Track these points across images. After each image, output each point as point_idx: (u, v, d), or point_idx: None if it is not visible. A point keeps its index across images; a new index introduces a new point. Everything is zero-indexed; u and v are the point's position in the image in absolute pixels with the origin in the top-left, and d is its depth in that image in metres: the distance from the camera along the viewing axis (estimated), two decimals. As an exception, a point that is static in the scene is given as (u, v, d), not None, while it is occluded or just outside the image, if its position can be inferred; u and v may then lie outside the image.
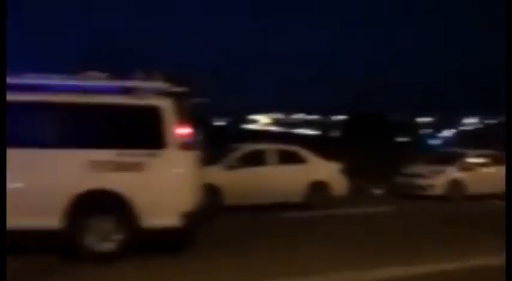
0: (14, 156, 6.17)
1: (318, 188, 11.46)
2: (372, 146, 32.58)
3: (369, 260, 6.53)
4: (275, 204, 10.90)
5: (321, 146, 14.66)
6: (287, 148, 12.05)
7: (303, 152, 11.95)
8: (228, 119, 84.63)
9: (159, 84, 6.58)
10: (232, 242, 7.61)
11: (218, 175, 10.51)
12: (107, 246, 6.19)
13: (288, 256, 6.76)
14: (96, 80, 6.77)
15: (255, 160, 11.24)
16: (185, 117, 6.80)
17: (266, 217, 10.03)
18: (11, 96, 6.48)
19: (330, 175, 11.76)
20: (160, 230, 6.30)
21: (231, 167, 10.87)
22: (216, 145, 11.33)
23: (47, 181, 6.17)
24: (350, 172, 12.33)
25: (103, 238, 6.19)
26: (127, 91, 6.49)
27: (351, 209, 11.34)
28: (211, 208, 8.54)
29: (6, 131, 6.27)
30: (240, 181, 10.63)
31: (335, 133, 75.90)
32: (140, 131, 6.43)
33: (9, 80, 6.56)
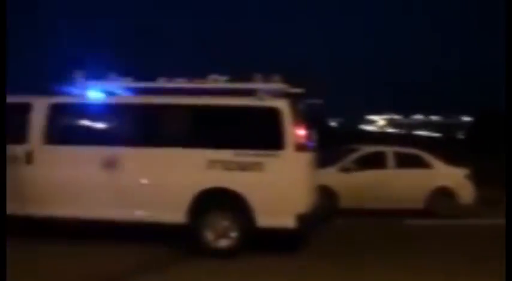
0: (145, 154, 6.65)
1: (442, 195, 10.67)
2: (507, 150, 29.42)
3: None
4: (393, 210, 10.39)
5: (443, 150, 13.64)
6: (408, 151, 11.42)
7: (426, 156, 11.22)
8: (341, 119, 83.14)
9: (278, 86, 6.64)
10: (347, 248, 7.36)
11: (334, 177, 10.31)
12: (224, 242, 6.39)
13: (406, 268, 6.36)
14: (217, 82, 7.04)
15: (373, 162, 10.81)
16: (301, 118, 6.77)
17: (384, 222, 9.59)
18: (142, 99, 7.03)
19: (456, 181, 10.87)
20: (275, 230, 6.34)
21: (347, 169, 10.59)
22: (329, 146, 11.10)
23: (173, 178, 6.53)
24: (478, 178, 11.28)
25: (221, 234, 6.40)
26: (247, 93, 6.64)
27: (480, 220, 10.36)
28: (326, 210, 8.40)
29: (138, 132, 6.80)
30: (356, 184, 10.31)
31: (459, 135, 70.53)
32: (259, 132, 6.53)
33: (141, 84, 7.15)
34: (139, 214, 6.59)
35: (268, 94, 6.55)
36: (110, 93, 7.16)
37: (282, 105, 6.42)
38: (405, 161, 10.93)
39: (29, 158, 6.78)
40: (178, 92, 6.92)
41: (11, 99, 7.09)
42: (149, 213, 6.55)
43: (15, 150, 6.75)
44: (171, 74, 7.29)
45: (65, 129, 7.07)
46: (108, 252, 6.39)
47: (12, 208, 6.69)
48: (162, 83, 7.20)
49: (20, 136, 6.81)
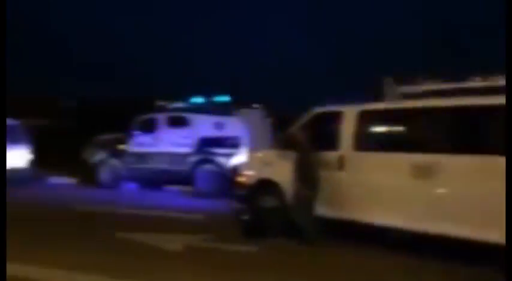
0: (462, 163, 5.97)
1: None
2: None
3: None
4: None
5: None
6: None
7: None
8: None
9: None
10: None
11: None
12: None
13: None
14: None
15: None
16: None
17: None
18: (457, 102, 6.33)
19: None
20: None
21: None
22: None
23: (494, 190, 5.56)
24: None
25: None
26: None
27: None
28: None
29: (454, 137, 6.17)
30: None
31: None
32: None
33: (455, 85, 6.50)
34: (453, 228, 5.93)
35: None
36: (414, 97, 6.79)
37: None
38: None
39: (340, 164, 7.08)
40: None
41: (326, 108, 7.58)
42: (463, 228, 5.83)
43: (328, 156, 7.18)
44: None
45: (374, 136, 7.09)
46: (405, 265, 6.04)
47: (323, 210, 7.13)
48: (478, 82, 6.38)
49: (333, 143, 7.19)
